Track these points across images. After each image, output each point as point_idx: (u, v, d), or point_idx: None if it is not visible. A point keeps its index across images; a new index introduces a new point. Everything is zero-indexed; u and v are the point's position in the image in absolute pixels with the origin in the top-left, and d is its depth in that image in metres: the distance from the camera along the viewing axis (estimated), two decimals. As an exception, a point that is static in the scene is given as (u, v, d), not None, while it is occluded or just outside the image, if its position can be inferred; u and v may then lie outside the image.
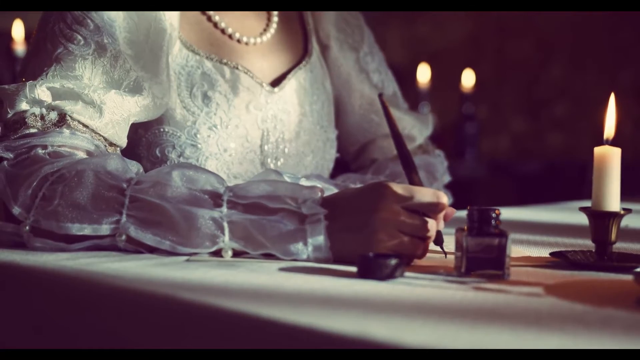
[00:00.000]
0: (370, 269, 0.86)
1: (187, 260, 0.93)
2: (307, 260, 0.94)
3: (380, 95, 1.06)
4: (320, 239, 0.94)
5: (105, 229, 0.95)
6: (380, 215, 0.94)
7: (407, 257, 0.95)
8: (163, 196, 0.95)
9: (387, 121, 1.05)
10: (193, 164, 1.03)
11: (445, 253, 1.00)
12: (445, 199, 0.97)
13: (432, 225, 0.96)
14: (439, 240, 1.00)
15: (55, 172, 0.99)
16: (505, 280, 0.88)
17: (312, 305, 0.74)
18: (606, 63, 4.01)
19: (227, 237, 0.94)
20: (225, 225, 0.95)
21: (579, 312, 0.73)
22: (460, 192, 1.58)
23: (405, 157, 1.04)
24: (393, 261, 0.86)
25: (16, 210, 0.97)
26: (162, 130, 1.21)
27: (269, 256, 0.95)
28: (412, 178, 1.02)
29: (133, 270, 0.87)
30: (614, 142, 0.99)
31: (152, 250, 0.96)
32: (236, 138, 1.25)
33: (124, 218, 0.95)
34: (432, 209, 0.96)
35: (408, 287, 0.83)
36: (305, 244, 0.94)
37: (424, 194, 0.96)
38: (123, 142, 1.14)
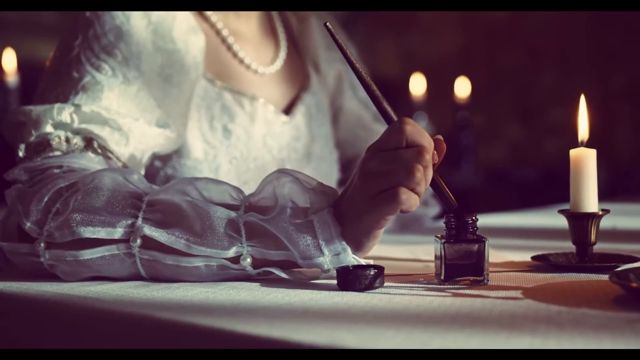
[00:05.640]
0: (349, 281, 0.87)
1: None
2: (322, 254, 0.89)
3: (326, 24, 0.93)
4: (326, 217, 0.89)
5: (119, 232, 0.91)
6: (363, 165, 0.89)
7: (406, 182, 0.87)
8: (180, 199, 0.92)
9: (340, 50, 0.93)
10: (210, 178, 0.98)
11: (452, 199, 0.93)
12: (408, 121, 0.88)
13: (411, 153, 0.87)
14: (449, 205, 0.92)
15: (69, 185, 0.96)
16: (484, 286, 0.88)
17: (288, 319, 0.74)
18: (597, 68, 4.02)
19: (244, 238, 0.91)
20: (242, 226, 0.91)
21: (554, 313, 0.74)
22: (457, 202, 1.58)
23: (366, 85, 0.93)
24: (372, 272, 0.87)
25: (28, 226, 0.93)
26: (182, 163, 1.20)
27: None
28: (383, 107, 0.93)
29: (114, 292, 0.88)
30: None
31: (162, 270, 0.92)
32: (255, 169, 1.25)
33: (139, 221, 0.91)
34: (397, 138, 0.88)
35: (386, 296, 0.83)
36: (315, 236, 0.89)
37: (385, 134, 0.89)
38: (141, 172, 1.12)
